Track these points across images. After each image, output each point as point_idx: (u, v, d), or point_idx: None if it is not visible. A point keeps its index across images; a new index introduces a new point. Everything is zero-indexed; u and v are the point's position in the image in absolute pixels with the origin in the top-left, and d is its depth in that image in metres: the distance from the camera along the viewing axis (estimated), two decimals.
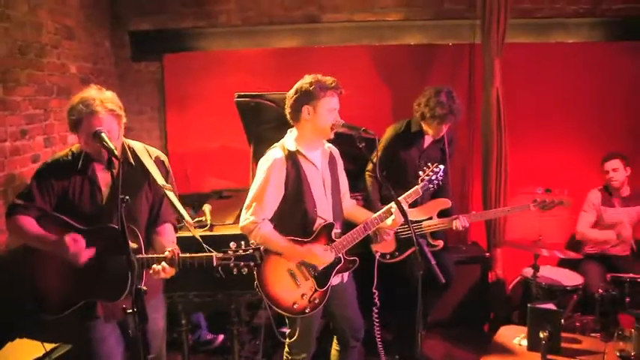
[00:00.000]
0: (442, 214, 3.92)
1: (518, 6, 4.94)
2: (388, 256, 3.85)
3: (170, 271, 2.52)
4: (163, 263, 2.51)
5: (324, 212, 3.10)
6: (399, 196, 3.08)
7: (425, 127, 3.97)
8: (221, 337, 4.55)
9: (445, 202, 3.86)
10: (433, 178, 3.28)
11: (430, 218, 3.86)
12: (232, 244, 2.48)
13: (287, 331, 3.23)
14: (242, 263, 2.47)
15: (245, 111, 4.10)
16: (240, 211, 3.99)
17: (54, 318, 2.59)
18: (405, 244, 3.86)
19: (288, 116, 3.07)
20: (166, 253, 2.52)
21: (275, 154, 3.04)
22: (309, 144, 3.08)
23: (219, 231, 3.65)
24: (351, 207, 3.39)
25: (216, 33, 5.25)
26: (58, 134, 4.27)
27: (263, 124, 4.06)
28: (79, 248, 2.50)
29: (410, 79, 5.21)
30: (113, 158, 2.40)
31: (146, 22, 5.19)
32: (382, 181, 2.99)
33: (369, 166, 4.08)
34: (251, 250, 2.46)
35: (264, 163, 3.03)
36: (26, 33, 3.87)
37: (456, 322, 4.65)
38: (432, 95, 3.84)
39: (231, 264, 2.47)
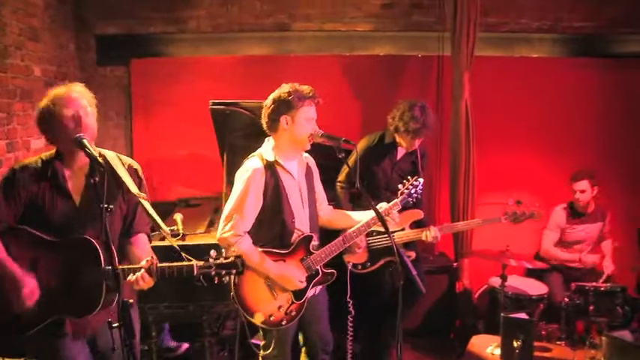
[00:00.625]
0: (414, 225, 3.93)
1: (485, 20, 5.02)
2: (360, 267, 3.83)
3: (149, 281, 2.45)
4: (143, 272, 2.43)
5: (301, 223, 3.08)
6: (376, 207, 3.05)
7: (399, 139, 3.99)
8: (185, 345, 4.47)
9: (417, 214, 3.84)
10: (412, 191, 3.28)
11: (403, 229, 3.86)
12: (212, 252, 2.45)
13: (261, 342, 3.18)
14: (224, 271, 2.43)
15: (219, 119, 4.06)
16: (210, 219, 4.16)
17: (19, 336, 2.45)
18: (376, 254, 3.85)
19: (265, 126, 3.05)
20: (144, 262, 2.46)
21: (254, 163, 3.01)
22: (287, 154, 3.07)
23: (191, 240, 3.63)
24: (329, 213, 3.36)
25: (186, 39, 5.22)
26: (20, 139, 4.16)
27: (237, 132, 4.03)
28: (32, 301, 2.41)
29: (379, 89, 5.26)
30: (96, 165, 2.33)
31: (113, 25, 5.13)
32: (362, 192, 2.92)
33: (341, 177, 4.06)
34: (232, 258, 2.43)
35: (243, 173, 3.00)
36: None
37: (424, 332, 4.67)
38: (406, 109, 3.86)
39: (213, 272, 2.42)
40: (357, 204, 3.85)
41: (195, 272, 2.41)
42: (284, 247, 3.06)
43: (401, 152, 4.05)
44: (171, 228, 3.51)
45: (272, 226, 3.01)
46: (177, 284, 2.75)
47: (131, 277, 2.43)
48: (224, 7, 5.13)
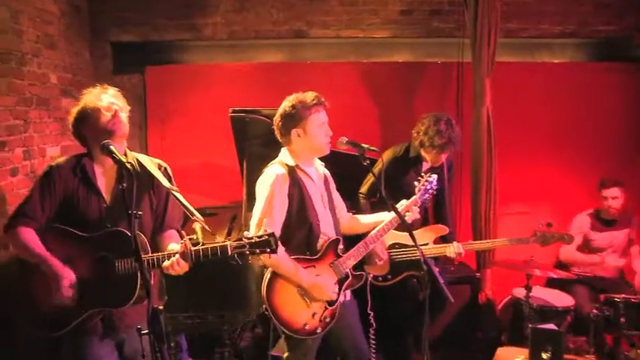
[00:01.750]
0: (438, 240, 3.92)
1: (505, 25, 4.98)
2: (381, 279, 3.82)
3: (184, 266, 2.51)
4: (177, 257, 2.49)
5: (327, 227, 3.10)
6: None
7: (423, 154, 3.98)
8: None
9: (442, 229, 3.84)
10: (428, 187, 3.30)
11: (426, 244, 3.83)
12: (246, 233, 2.51)
13: (284, 355, 3.14)
14: (258, 250, 2.47)
15: (239, 126, 4.09)
16: (228, 228, 4.21)
17: (54, 335, 2.53)
18: (399, 267, 3.83)
19: (279, 139, 3.09)
20: (178, 247, 2.53)
21: (276, 169, 3.04)
22: (305, 160, 3.10)
23: None
24: (350, 220, 3.37)
25: (201, 46, 5.23)
26: (37, 146, 4.18)
27: (256, 139, 4.05)
28: (69, 292, 2.52)
29: (398, 97, 5.26)
30: (124, 171, 2.40)
31: (128, 33, 5.12)
32: (385, 198, 2.96)
33: (363, 188, 4.08)
34: (266, 237, 2.45)
35: (267, 179, 3.02)
36: (7, 40, 3.79)
37: (445, 343, 4.56)
38: (430, 124, 3.86)
39: (247, 251, 2.47)
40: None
41: (230, 252, 2.45)
42: (311, 252, 3.06)
43: (426, 166, 4.05)
44: (190, 237, 3.45)
45: (299, 231, 3.02)
46: (197, 292, 2.93)
47: (166, 263, 2.50)
48: (240, 13, 5.14)
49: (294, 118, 2.99)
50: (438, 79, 5.28)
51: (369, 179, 4.01)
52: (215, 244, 2.49)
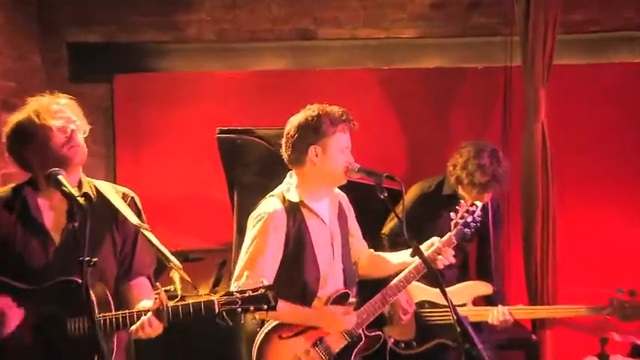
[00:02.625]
0: (478, 299, 3.93)
1: (568, 18, 4.82)
2: (403, 345, 3.78)
3: (157, 327, 2.40)
4: (150, 315, 2.40)
5: (332, 281, 3.08)
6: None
7: (461, 192, 3.92)
8: None
9: (485, 287, 3.85)
10: (469, 220, 3.25)
11: (463, 305, 3.81)
12: (235, 285, 2.60)
13: None
14: (252, 306, 2.41)
15: (228, 150, 4.07)
16: (215, 277, 4.22)
17: None
18: (428, 332, 3.81)
19: (287, 159, 3.06)
20: (150, 302, 2.45)
21: (272, 205, 3.01)
22: (316, 193, 3.07)
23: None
24: (369, 259, 3.35)
25: (184, 50, 5.24)
26: None
27: (250, 166, 4.06)
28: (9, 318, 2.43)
29: (428, 113, 5.19)
30: (76, 207, 2.26)
31: (91, 32, 5.10)
32: (409, 243, 2.89)
33: (385, 229, 4.06)
34: (262, 291, 2.40)
35: (258, 218, 3.00)
36: None
37: None
38: (470, 156, 3.83)
39: (239, 307, 2.40)
40: None
41: (217, 309, 2.39)
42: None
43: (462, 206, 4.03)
44: (167, 288, 3.43)
45: (292, 286, 3.00)
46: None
47: (134, 326, 2.42)
48: (232, 10, 5.10)
49: (316, 132, 2.94)
50: (478, 89, 5.19)
51: (392, 218, 3.99)
52: (199, 300, 2.43)
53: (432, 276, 2.95)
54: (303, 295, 3.02)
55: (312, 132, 2.95)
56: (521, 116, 4.70)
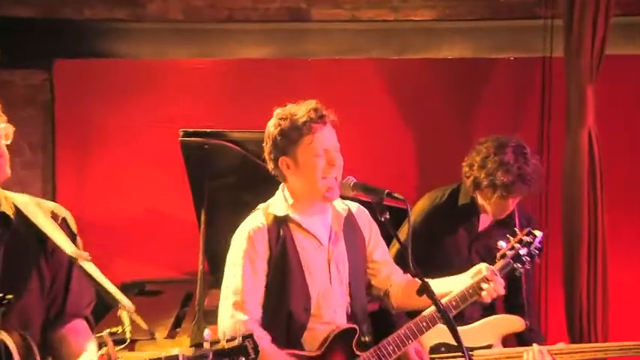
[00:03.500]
0: (508, 338, 3.87)
1: None
2: None
3: None
4: None
5: (332, 310, 3.09)
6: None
7: (480, 199, 3.88)
8: None
9: (516, 323, 3.75)
10: (523, 253, 3.28)
11: (490, 346, 3.75)
12: (206, 333, 2.34)
13: None
14: None
15: (195, 157, 4.04)
16: (176, 316, 4.22)
17: None
18: None
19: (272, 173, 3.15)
20: (93, 356, 2.38)
21: (253, 221, 3.07)
22: (308, 208, 3.09)
23: (144, 349, 3.54)
24: (405, 285, 3.27)
25: (143, 31, 5.21)
26: None
27: (222, 177, 4.07)
28: None
29: (446, 114, 5.19)
30: None
31: (24, 5, 5.04)
32: (416, 276, 2.84)
33: (390, 252, 3.87)
34: (239, 340, 2.29)
35: (237, 240, 3.06)
36: None
37: None
38: (491, 151, 3.76)
39: None
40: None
41: None
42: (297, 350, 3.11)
43: (485, 220, 4.00)
44: (113, 330, 3.01)
45: (274, 317, 3.04)
46: None
47: None
48: None
49: (280, 142, 2.99)
50: (509, 85, 5.20)
51: (394, 245, 3.83)
52: (157, 356, 2.28)
53: (445, 319, 2.85)
54: (289, 328, 3.02)
55: (277, 142, 2.99)
56: (563, 120, 4.61)
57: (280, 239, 3.07)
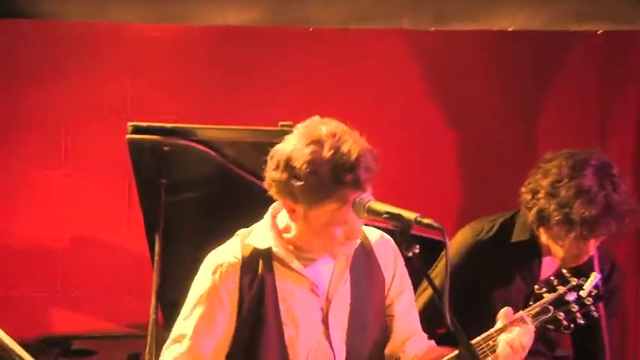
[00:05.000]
0: None
1: None
2: None
3: None
4: None
5: None
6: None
7: (545, 237, 3.76)
8: None
9: None
10: (571, 299, 3.17)
11: None
12: None
13: None
14: None
15: (147, 162, 3.99)
16: None
17: None
18: None
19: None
20: None
21: (224, 253, 2.99)
22: (304, 245, 3.00)
23: None
24: (427, 356, 3.21)
25: None
26: None
27: (186, 191, 4.04)
28: None
29: (502, 107, 5.33)
30: None
31: None
32: (456, 334, 2.72)
33: (418, 304, 3.76)
34: None
35: (203, 270, 3.00)
36: None
37: None
38: (564, 173, 3.62)
39: None
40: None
41: None
42: None
43: (550, 266, 3.91)
44: None
45: None
46: None
47: None
48: None
49: (295, 186, 2.80)
50: (593, 66, 5.35)
51: (425, 289, 3.80)
52: None
53: None
54: None
55: (289, 179, 2.81)
56: None
57: (256, 281, 2.98)
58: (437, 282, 3.33)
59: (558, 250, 3.72)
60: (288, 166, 2.86)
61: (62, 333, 4.92)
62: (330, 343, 3.02)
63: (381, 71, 5.09)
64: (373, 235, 3.16)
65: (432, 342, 3.34)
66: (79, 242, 5.21)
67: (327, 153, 2.79)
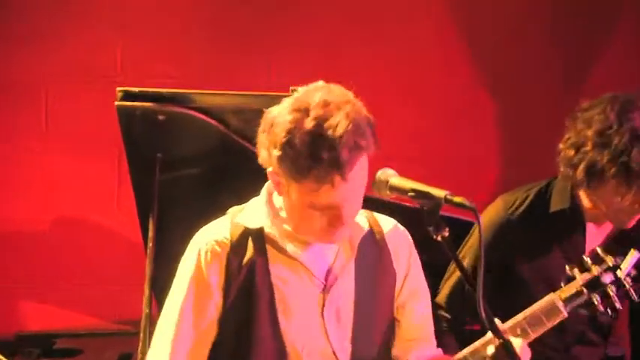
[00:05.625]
0: None
1: None
2: None
3: None
4: None
5: None
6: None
7: (592, 201, 3.71)
8: None
9: None
10: (606, 280, 3.17)
11: None
12: None
13: None
14: None
15: (139, 132, 4.00)
16: None
17: None
18: None
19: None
20: None
21: (212, 232, 2.93)
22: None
23: None
24: None
25: None
26: None
27: (184, 166, 4.06)
28: None
29: (547, 67, 5.36)
30: None
31: None
32: (491, 328, 2.71)
33: (441, 295, 3.95)
34: None
35: (188, 252, 2.95)
36: None
37: None
38: (613, 117, 3.57)
39: None
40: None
41: None
42: None
43: (596, 235, 3.88)
44: None
45: None
46: None
47: None
48: None
49: (277, 157, 2.77)
50: None
51: (452, 274, 3.88)
52: None
53: None
54: None
55: (270, 146, 2.78)
56: None
57: (247, 265, 2.91)
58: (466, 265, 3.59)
59: (609, 212, 3.67)
60: (270, 131, 2.83)
61: (43, 330, 4.94)
62: (327, 337, 2.97)
63: (396, 11, 4.93)
64: (386, 224, 3.09)
65: (440, 350, 3.31)
66: (62, 226, 5.22)
67: (308, 124, 2.74)
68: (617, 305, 3.19)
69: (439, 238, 2.63)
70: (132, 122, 3.90)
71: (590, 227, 3.84)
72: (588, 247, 3.76)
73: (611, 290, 3.17)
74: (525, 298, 3.49)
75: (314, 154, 2.67)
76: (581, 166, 3.57)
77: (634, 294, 3.24)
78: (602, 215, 3.76)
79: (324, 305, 2.96)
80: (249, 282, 2.91)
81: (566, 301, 3.17)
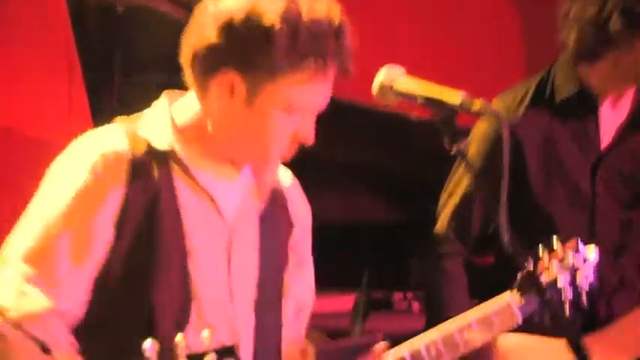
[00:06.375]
0: None
1: None
2: None
3: None
4: None
5: (225, 321, 3.01)
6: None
7: (600, 75, 3.87)
8: None
9: None
10: (561, 281, 3.24)
11: None
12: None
13: None
14: None
15: (93, 29, 4.29)
16: None
17: None
18: None
19: (186, 75, 2.96)
20: None
21: (106, 138, 2.91)
22: (217, 149, 3.01)
23: None
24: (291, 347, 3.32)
25: None
26: None
27: (147, 68, 4.32)
28: None
29: None
30: None
31: None
32: (513, 251, 3.00)
33: (442, 218, 4.09)
34: None
35: (71, 156, 2.88)
36: None
37: None
38: None
39: None
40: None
41: None
42: None
43: (612, 120, 4.04)
44: None
45: (121, 320, 2.90)
46: None
47: None
48: None
49: (247, 51, 2.79)
50: None
51: (453, 193, 4.05)
52: None
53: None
54: (148, 337, 2.51)
55: (249, 40, 2.75)
56: None
57: (150, 187, 2.84)
58: (464, 184, 3.83)
59: (627, 75, 3.81)
60: (248, 22, 2.73)
61: None
62: (230, 289, 2.97)
63: None
64: (285, 178, 3.17)
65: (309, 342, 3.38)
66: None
67: (307, 11, 2.74)
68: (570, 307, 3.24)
69: (454, 149, 2.78)
70: (84, 15, 4.11)
71: (604, 111, 3.93)
72: (603, 135, 3.93)
73: (564, 295, 3.21)
74: (540, 213, 3.88)
75: (319, 39, 2.69)
76: (576, 39, 3.77)
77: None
78: (623, 79, 3.84)
79: (230, 247, 2.98)
80: (151, 208, 2.84)
81: (521, 307, 3.16)
